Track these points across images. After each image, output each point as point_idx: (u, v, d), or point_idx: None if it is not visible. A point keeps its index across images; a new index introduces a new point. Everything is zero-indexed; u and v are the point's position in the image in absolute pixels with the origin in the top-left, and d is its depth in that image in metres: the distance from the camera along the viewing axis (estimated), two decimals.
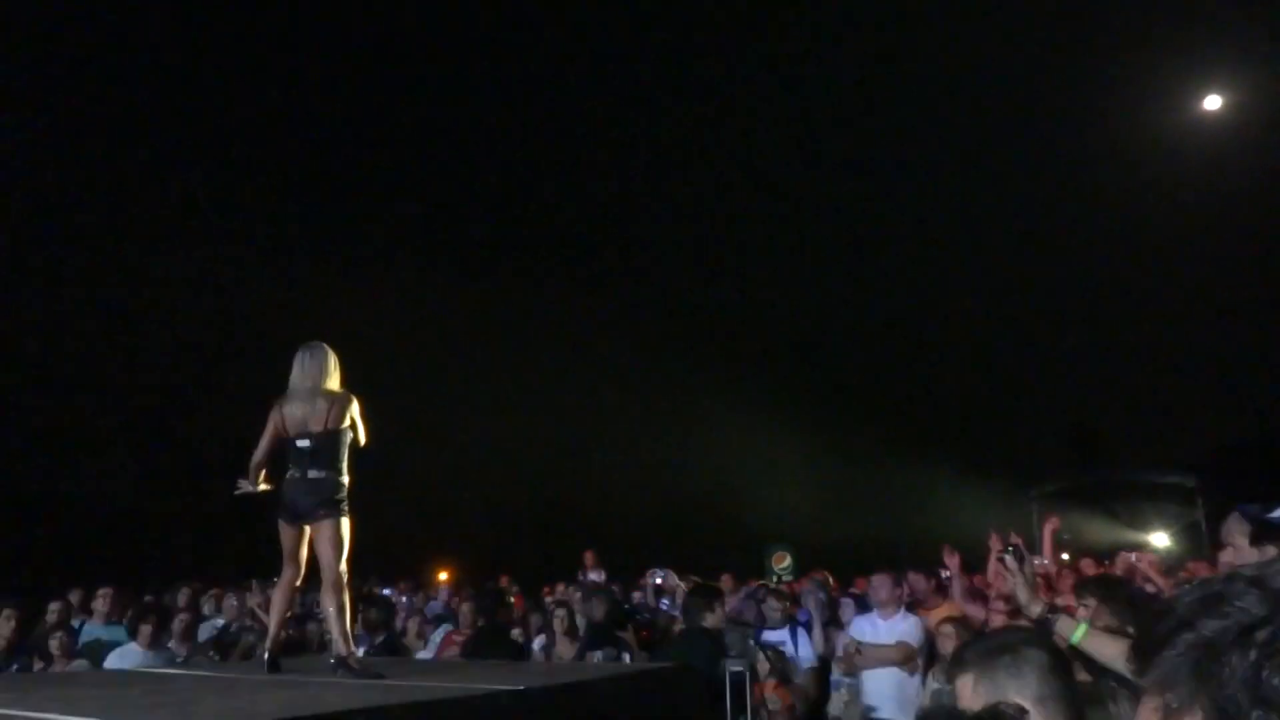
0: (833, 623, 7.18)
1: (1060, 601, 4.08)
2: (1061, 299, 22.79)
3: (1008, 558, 3.33)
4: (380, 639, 6.93)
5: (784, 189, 22.87)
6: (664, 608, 8.40)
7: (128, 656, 6.12)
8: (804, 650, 6.79)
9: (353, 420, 4.71)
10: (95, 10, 17.50)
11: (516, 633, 7.34)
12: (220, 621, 7.85)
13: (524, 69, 21.61)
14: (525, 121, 22.31)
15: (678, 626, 6.62)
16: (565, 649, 6.70)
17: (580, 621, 6.94)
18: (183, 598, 8.68)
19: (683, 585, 8.16)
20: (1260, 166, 17.22)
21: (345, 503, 4.62)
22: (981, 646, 2.03)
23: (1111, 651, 2.73)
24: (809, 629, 7.02)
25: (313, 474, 4.56)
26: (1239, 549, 3.44)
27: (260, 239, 19.11)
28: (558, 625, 6.86)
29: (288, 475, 4.63)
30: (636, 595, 9.21)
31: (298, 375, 4.76)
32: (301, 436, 4.61)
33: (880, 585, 6.20)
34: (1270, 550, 3.23)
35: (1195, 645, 0.77)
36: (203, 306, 18.84)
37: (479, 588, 9.33)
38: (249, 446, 4.77)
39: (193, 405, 18.73)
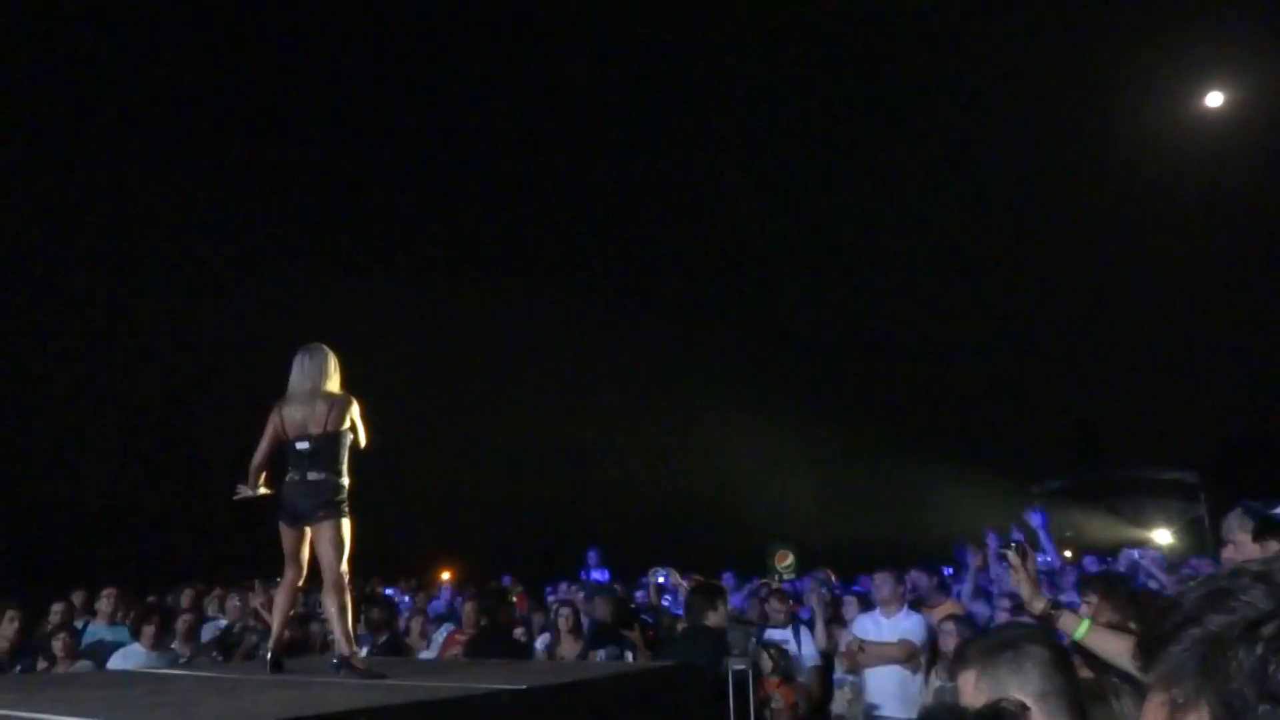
0: (835, 620, 7.18)
1: (1063, 598, 4.08)
2: (1063, 296, 22.78)
3: (1010, 554, 3.33)
4: (383, 639, 6.94)
5: (785, 188, 22.88)
6: (666, 605, 8.40)
7: (131, 657, 6.13)
8: (807, 648, 6.79)
9: (353, 422, 4.71)
10: (96, 9, 17.52)
11: (519, 632, 7.34)
12: (223, 622, 7.86)
13: (525, 68, 21.62)
14: (526, 121, 22.33)
15: (681, 625, 6.62)
16: (569, 648, 6.71)
17: (584, 620, 6.94)
18: (186, 598, 8.71)
19: (685, 584, 8.16)
20: (1262, 164, 17.20)
21: (345, 504, 4.63)
22: (983, 643, 2.03)
23: (1115, 647, 2.73)
24: (811, 627, 7.02)
25: (312, 476, 4.57)
26: (1240, 545, 3.44)
27: (262, 240, 19.14)
28: (562, 624, 6.86)
29: (288, 477, 4.64)
30: (639, 594, 9.21)
31: (297, 377, 4.76)
32: (301, 439, 4.61)
33: (882, 583, 6.21)
34: (1273, 546, 3.22)
35: (1201, 640, 0.77)
36: (204, 307, 18.85)
37: (481, 587, 9.34)
38: (251, 447, 4.77)
39: (195, 406, 18.75)
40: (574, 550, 12.39)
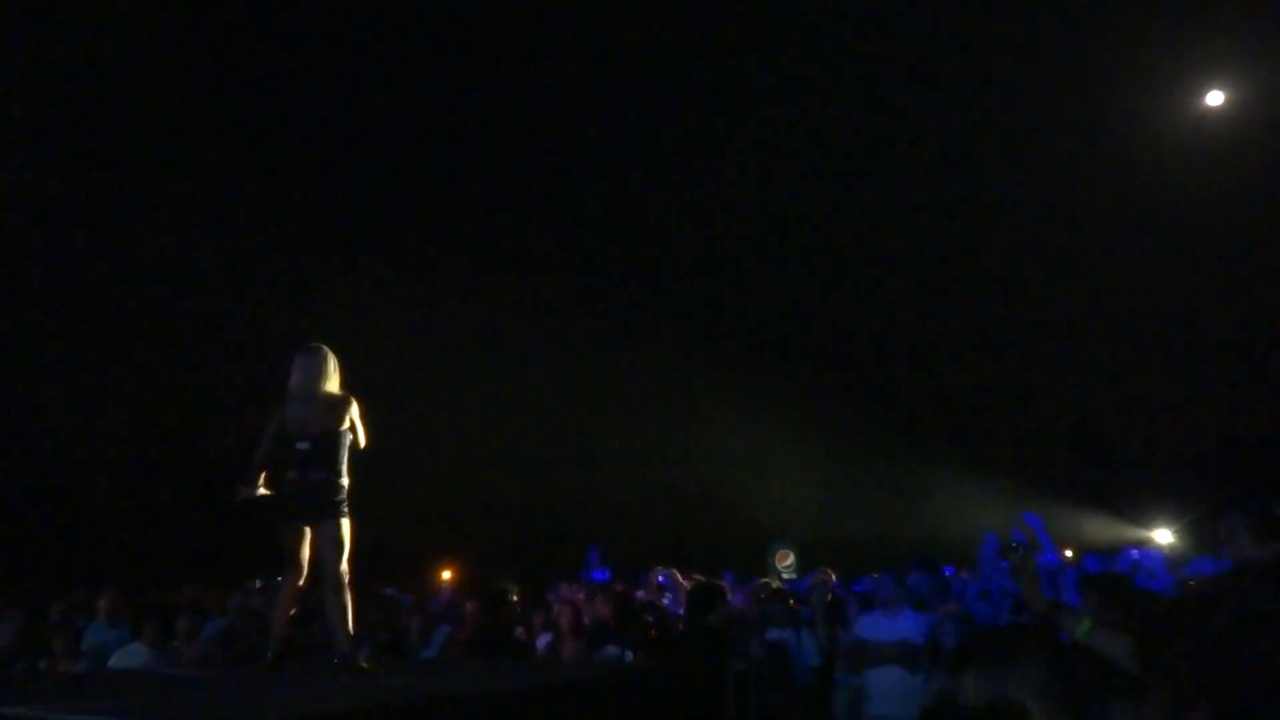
0: (836, 621, 7.17)
1: (1063, 598, 4.08)
2: (1064, 296, 22.76)
3: (1011, 554, 3.33)
4: (383, 639, 6.94)
5: (786, 187, 22.86)
6: (667, 603, 8.40)
7: (131, 656, 6.13)
8: (807, 649, 6.79)
9: (352, 422, 4.72)
10: (97, 8, 17.52)
11: (520, 632, 7.34)
12: (224, 621, 7.86)
13: (526, 66, 21.61)
14: (526, 120, 22.31)
15: (681, 625, 6.62)
16: (571, 648, 6.70)
17: (586, 620, 6.94)
18: (186, 597, 8.70)
19: (685, 584, 8.15)
20: (1263, 163, 17.19)
21: (345, 504, 4.63)
22: (983, 642, 2.03)
23: (1116, 647, 2.73)
24: (812, 627, 7.01)
25: (312, 476, 4.57)
26: (1240, 546, 3.43)
27: (262, 240, 19.13)
28: (564, 624, 6.86)
29: (288, 477, 4.64)
30: (640, 594, 9.20)
31: (297, 378, 4.76)
32: (301, 439, 4.61)
33: (883, 583, 6.20)
34: (1274, 547, 3.22)
35: (1202, 639, 0.77)
36: (205, 307, 18.84)
37: (482, 587, 9.33)
38: (251, 446, 4.77)
39: (196, 405, 18.76)
40: (574, 550, 12.40)
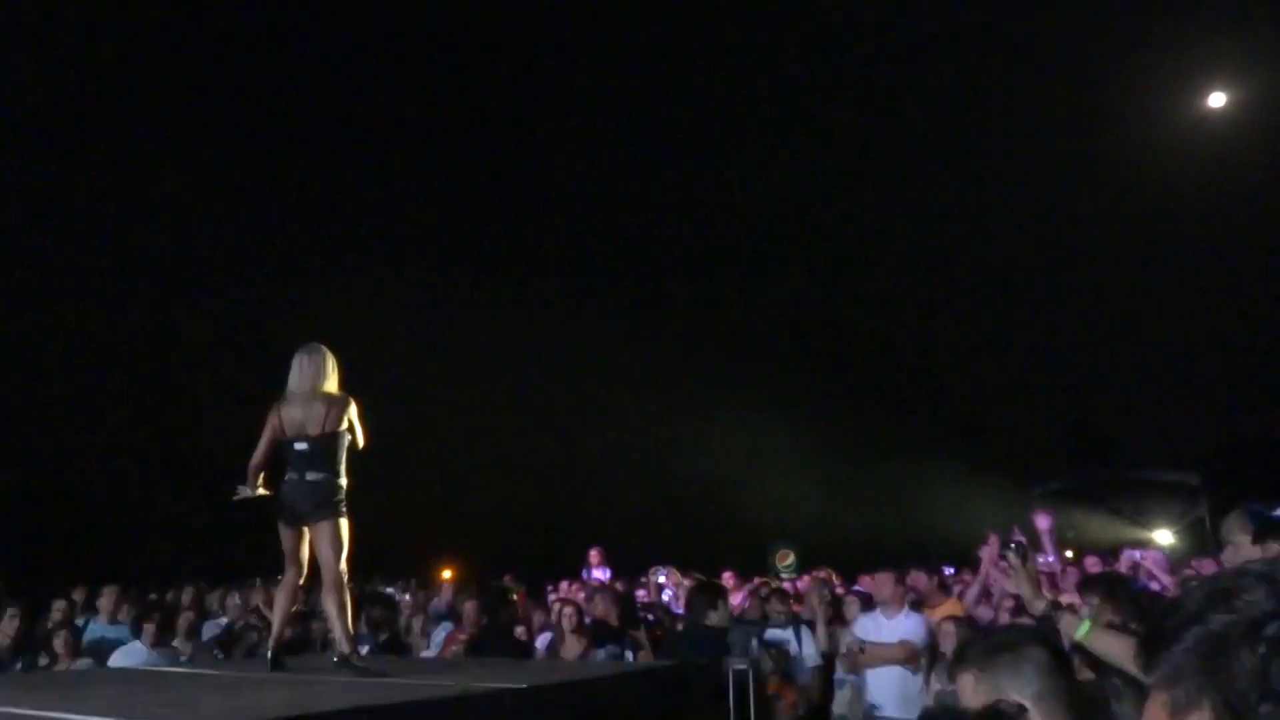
0: (836, 620, 7.17)
1: (1064, 599, 4.08)
2: (1064, 296, 22.77)
3: (1010, 555, 3.33)
4: (383, 637, 6.94)
5: (786, 187, 22.85)
6: (667, 602, 8.40)
7: (132, 655, 6.13)
8: (807, 648, 6.78)
9: (351, 423, 4.72)
10: (98, 8, 17.52)
11: (520, 631, 7.34)
12: (224, 620, 7.87)
13: (527, 66, 21.62)
14: (526, 120, 22.32)
15: (681, 625, 6.62)
16: (573, 647, 6.70)
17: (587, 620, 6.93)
18: (187, 596, 8.72)
19: (685, 583, 8.15)
20: (1264, 164, 17.19)
21: (343, 504, 4.64)
22: (982, 645, 2.04)
23: (1116, 648, 2.73)
24: (812, 627, 7.01)
25: (311, 476, 4.58)
26: (1240, 546, 3.43)
27: (262, 239, 19.13)
28: (566, 623, 6.85)
29: (286, 477, 4.65)
30: (640, 593, 9.20)
31: (296, 377, 4.77)
32: (299, 439, 4.62)
33: (883, 583, 6.19)
34: (1273, 547, 3.22)
35: (1204, 640, 0.77)
36: (205, 307, 18.86)
37: (482, 586, 9.34)
38: (251, 447, 4.78)
39: (195, 405, 18.76)
40: (574, 549, 12.40)
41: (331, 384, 4.78)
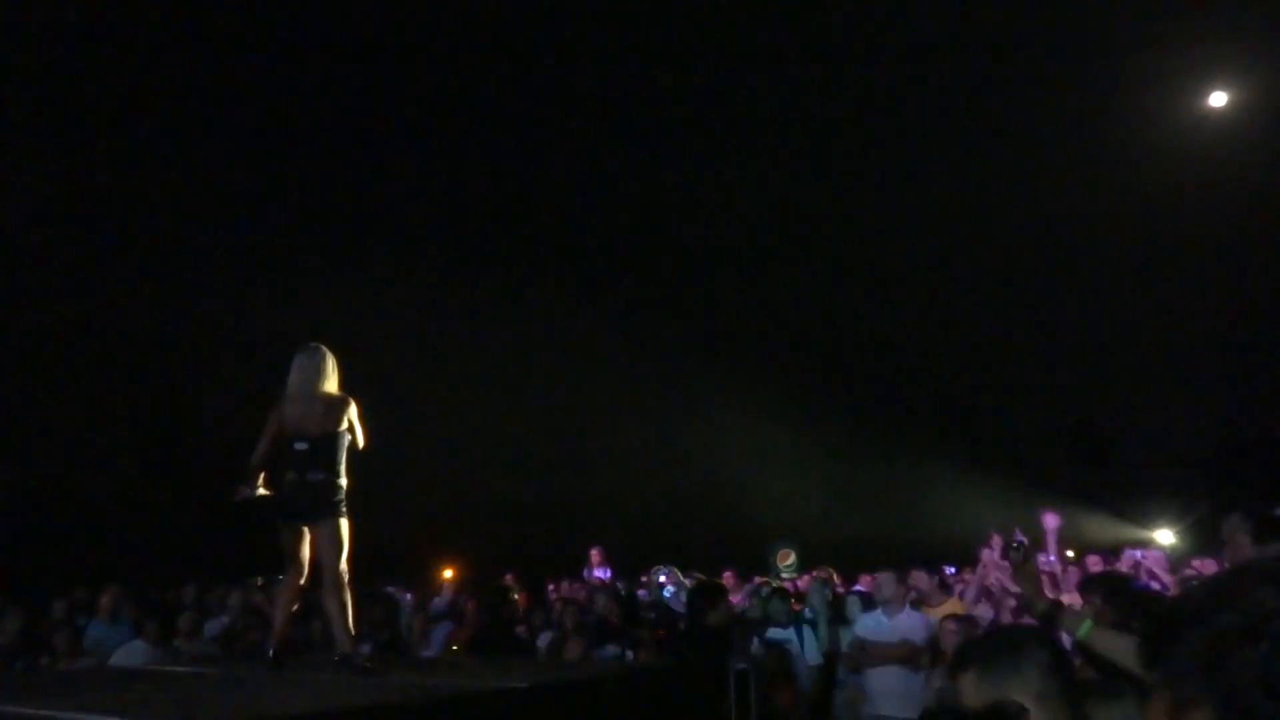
0: (838, 620, 7.18)
1: (1065, 599, 4.08)
2: (1064, 296, 22.75)
3: (1012, 554, 3.33)
4: (384, 637, 6.95)
5: (787, 187, 22.84)
6: (668, 599, 8.41)
7: (133, 653, 6.14)
8: (809, 648, 6.79)
9: (351, 423, 4.73)
10: (98, 7, 17.52)
11: (521, 630, 7.35)
12: (225, 619, 7.87)
13: (529, 68, 21.60)
14: (525, 120, 22.30)
15: (682, 624, 6.62)
16: (574, 646, 6.71)
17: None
18: (188, 595, 8.72)
19: (686, 582, 8.16)
20: (1265, 164, 17.18)
21: (343, 504, 4.65)
22: (983, 644, 2.04)
23: (1118, 647, 2.73)
24: (814, 626, 7.02)
25: (311, 476, 4.59)
26: (1241, 546, 3.44)
27: (262, 239, 19.13)
28: (568, 623, 6.87)
29: (287, 478, 4.65)
30: (641, 593, 9.21)
31: (296, 378, 4.78)
32: (300, 439, 4.63)
33: (885, 582, 6.19)
34: (1274, 547, 3.23)
35: (1205, 640, 0.77)
36: (205, 307, 18.85)
37: (483, 586, 9.34)
38: (251, 446, 4.78)
39: (197, 403, 18.76)
40: (575, 549, 12.40)
41: (331, 384, 4.79)
